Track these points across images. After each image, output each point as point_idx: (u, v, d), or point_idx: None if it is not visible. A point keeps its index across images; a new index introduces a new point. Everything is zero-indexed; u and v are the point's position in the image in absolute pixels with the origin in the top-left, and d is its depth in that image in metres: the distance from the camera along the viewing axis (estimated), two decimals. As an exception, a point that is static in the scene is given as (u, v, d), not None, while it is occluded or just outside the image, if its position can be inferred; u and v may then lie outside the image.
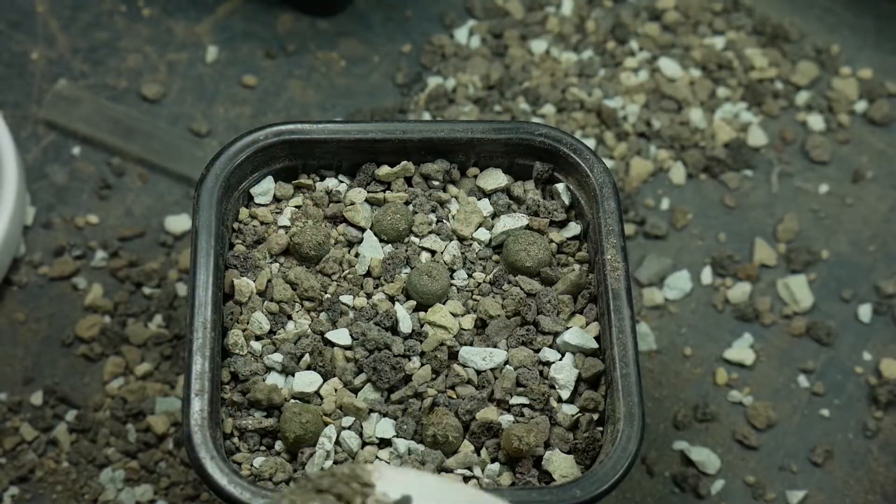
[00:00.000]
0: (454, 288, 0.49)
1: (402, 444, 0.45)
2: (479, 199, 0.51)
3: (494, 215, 0.51)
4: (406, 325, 0.47)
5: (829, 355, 0.59)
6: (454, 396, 0.46)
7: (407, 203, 0.50)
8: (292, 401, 0.46)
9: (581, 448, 0.45)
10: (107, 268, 0.59)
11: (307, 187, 0.51)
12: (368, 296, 0.48)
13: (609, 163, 0.63)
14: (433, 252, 0.49)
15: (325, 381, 0.46)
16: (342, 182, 0.51)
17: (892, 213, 0.63)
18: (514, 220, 0.50)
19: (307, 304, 0.48)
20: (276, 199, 0.51)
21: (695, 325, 0.60)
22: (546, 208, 0.50)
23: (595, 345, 0.47)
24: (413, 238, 0.50)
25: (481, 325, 0.48)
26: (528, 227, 0.50)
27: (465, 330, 0.48)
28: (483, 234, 0.50)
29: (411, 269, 0.49)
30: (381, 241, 0.49)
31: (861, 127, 0.66)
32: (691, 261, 0.61)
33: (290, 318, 0.48)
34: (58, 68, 0.65)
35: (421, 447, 0.45)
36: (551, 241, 0.50)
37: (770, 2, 0.70)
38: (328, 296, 0.48)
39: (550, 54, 0.67)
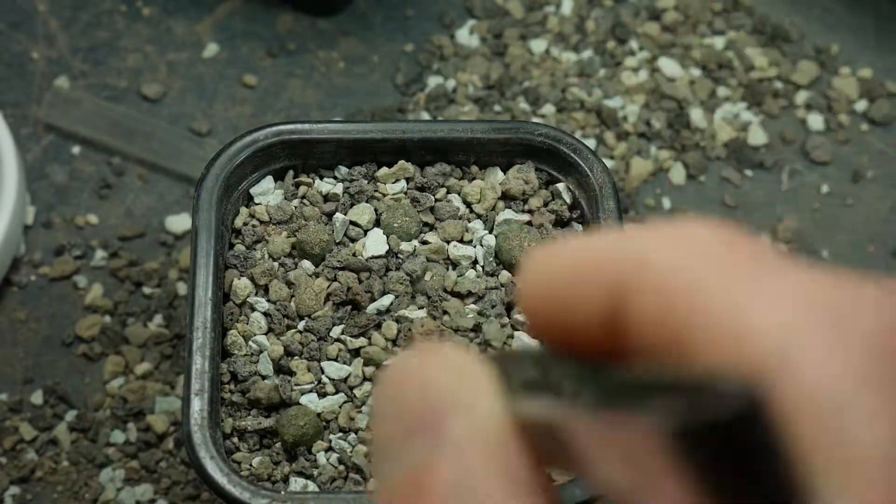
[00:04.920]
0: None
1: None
2: (479, 201, 0.51)
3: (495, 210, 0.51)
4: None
5: (829, 355, 0.59)
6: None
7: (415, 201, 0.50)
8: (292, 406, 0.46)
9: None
10: (107, 267, 0.59)
11: (306, 186, 0.51)
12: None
13: (609, 163, 0.63)
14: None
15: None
16: (339, 182, 0.51)
17: (892, 213, 0.63)
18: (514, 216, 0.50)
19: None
20: (276, 199, 0.51)
21: (695, 325, 0.60)
22: (550, 206, 0.50)
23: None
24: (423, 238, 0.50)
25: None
26: (528, 224, 0.50)
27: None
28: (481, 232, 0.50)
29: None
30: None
31: (861, 127, 0.66)
32: (691, 261, 0.61)
33: (287, 317, 0.48)
34: (58, 68, 0.65)
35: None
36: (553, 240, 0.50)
37: (770, 2, 0.70)
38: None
39: (550, 54, 0.67)
